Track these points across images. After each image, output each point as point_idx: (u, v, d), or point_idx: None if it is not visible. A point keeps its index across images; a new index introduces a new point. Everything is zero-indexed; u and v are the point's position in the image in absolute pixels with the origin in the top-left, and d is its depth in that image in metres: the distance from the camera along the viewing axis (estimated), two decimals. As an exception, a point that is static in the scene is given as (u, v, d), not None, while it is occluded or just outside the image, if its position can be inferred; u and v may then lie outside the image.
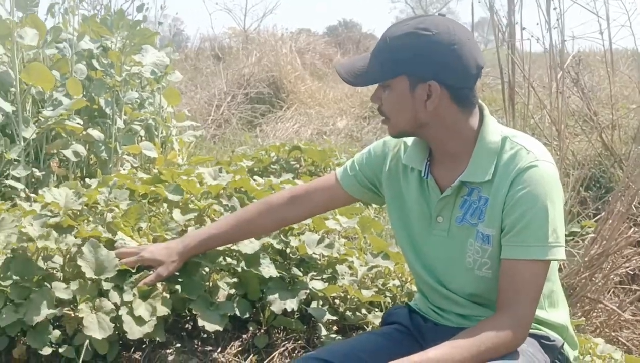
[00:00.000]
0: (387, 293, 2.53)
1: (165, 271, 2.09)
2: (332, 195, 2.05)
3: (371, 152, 1.98)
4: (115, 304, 2.06)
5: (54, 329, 2.10)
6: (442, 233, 1.76)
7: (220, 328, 2.17)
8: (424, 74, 1.64)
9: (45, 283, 2.09)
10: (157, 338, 2.14)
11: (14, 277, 2.06)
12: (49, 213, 2.30)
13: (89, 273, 2.06)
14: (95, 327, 2.01)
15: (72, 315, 2.06)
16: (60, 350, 2.08)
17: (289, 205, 2.08)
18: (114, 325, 2.03)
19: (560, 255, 1.64)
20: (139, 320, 2.04)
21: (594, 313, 3.19)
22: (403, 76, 1.64)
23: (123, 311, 2.05)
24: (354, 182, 2.00)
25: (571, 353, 1.84)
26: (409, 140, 1.86)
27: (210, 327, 2.15)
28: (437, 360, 1.51)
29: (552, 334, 1.78)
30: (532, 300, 1.63)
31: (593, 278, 3.24)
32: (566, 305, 1.92)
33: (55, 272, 2.16)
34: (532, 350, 1.69)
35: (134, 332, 2.03)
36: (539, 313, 1.73)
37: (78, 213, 2.34)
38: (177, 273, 2.19)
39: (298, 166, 4.33)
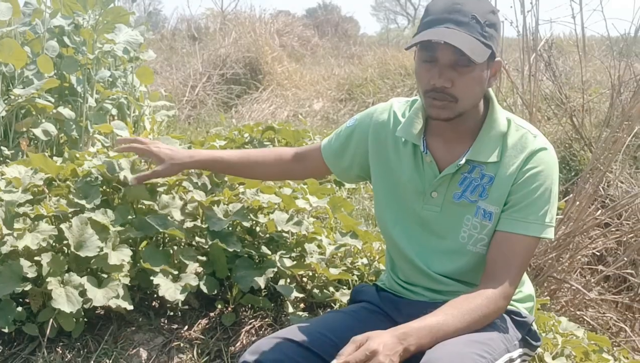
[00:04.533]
0: (355, 272, 2.55)
1: (163, 168, 2.13)
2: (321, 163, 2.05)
3: (355, 128, 1.95)
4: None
5: (17, 307, 2.09)
6: (435, 208, 1.78)
7: (181, 298, 2.16)
8: (497, 51, 1.68)
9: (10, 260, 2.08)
10: (124, 307, 2.12)
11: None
12: (14, 189, 2.28)
13: (72, 247, 2.07)
14: (64, 300, 2.00)
15: (40, 289, 2.05)
16: (24, 328, 2.08)
17: (295, 162, 2.10)
18: (82, 299, 2.03)
19: (551, 234, 1.72)
20: (102, 285, 2.07)
21: (560, 293, 3.24)
22: (489, 53, 1.64)
23: (87, 280, 2.06)
24: (334, 156, 2.00)
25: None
26: (399, 110, 1.87)
27: (171, 296, 2.14)
28: (433, 325, 1.54)
29: (523, 311, 1.83)
30: (519, 274, 1.70)
31: (560, 259, 3.28)
32: (530, 281, 1.97)
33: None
34: (505, 325, 1.74)
35: (98, 298, 2.03)
36: None
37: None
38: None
39: (271, 147, 4.32)
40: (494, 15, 1.67)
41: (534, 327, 1.87)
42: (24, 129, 3.77)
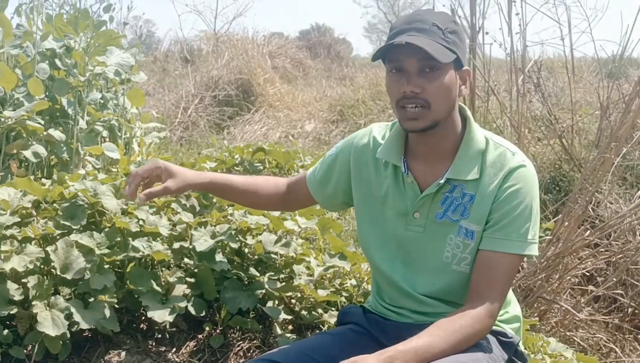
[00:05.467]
0: (344, 293, 2.55)
1: (175, 186, 1.92)
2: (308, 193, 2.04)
3: (338, 155, 1.96)
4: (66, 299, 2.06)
5: (3, 330, 2.08)
6: (418, 228, 1.78)
7: (170, 320, 2.16)
8: (463, 59, 1.71)
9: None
10: (111, 329, 2.11)
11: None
12: (1, 212, 2.28)
13: (58, 269, 2.06)
14: (49, 323, 2.00)
15: (27, 312, 2.04)
16: (10, 351, 2.07)
17: (288, 193, 2.07)
18: (67, 322, 2.02)
19: (534, 251, 1.72)
20: (89, 307, 2.05)
21: (550, 314, 3.24)
22: (454, 59, 1.67)
23: (73, 303, 2.05)
24: (318, 185, 1.99)
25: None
26: (379, 134, 1.87)
27: (159, 317, 2.14)
28: (419, 348, 1.54)
29: (509, 331, 1.83)
30: (504, 292, 1.70)
31: (550, 279, 3.29)
32: (516, 301, 1.97)
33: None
34: (491, 345, 1.73)
35: (85, 321, 2.02)
36: None
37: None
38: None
39: (262, 168, 4.33)
40: (456, 25, 1.71)
41: (521, 347, 1.87)
42: (14, 151, 3.77)
